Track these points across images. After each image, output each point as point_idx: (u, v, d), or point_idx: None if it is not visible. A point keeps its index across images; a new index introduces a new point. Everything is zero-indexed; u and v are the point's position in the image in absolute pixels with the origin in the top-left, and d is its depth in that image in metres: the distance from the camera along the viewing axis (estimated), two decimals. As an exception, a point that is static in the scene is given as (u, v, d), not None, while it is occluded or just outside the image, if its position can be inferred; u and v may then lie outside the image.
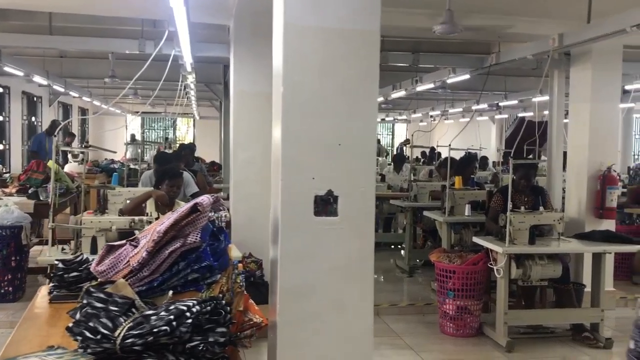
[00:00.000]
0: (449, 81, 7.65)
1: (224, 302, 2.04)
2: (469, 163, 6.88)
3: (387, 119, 20.56)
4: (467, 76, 7.13)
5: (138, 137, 20.52)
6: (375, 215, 8.01)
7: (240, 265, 2.47)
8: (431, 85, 8.26)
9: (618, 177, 11.03)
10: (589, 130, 6.22)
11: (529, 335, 5.35)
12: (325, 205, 2.14)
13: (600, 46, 6.11)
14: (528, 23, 5.51)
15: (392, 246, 9.22)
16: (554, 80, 6.99)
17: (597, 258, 5.22)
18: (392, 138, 24.88)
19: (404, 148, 18.66)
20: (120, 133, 17.63)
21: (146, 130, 23.82)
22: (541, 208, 5.08)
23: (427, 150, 15.40)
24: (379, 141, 23.62)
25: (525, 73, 9.64)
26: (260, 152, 5.62)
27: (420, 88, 8.68)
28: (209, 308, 1.97)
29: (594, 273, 5.27)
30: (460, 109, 14.31)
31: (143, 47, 5.83)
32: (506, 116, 16.51)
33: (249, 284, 5.31)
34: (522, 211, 5.02)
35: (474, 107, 12.53)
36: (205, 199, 2.21)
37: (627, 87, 9.00)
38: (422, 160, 14.73)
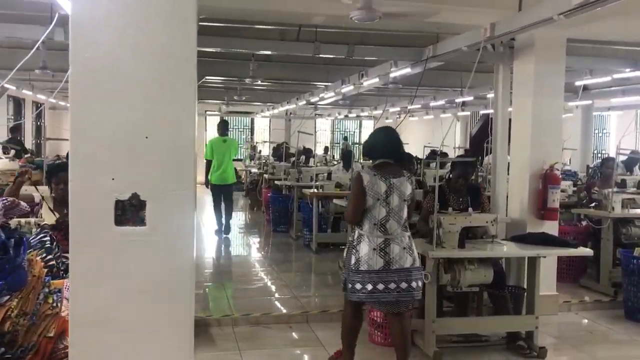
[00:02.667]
0: (393, 75, 7.32)
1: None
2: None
3: (350, 115, 20.23)
4: (408, 69, 6.81)
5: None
6: (322, 214, 7.57)
7: (56, 282, 2.07)
8: (376, 80, 7.92)
9: (573, 175, 10.86)
10: (531, 127, 5.94)
11: (460, 344, 5.04)
12: (130, 212, 1.75)
13: (542, 39, 5.84)
14: (466, 13, 5.19)
15: (342, 247, 8.88)
16: (499, 74, 6.68)
17: (532, 262, 4.93)
18: (360, 135, 24.58)
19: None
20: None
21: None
22: (470, 209, 4.76)
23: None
24: (346, 138, 23.32)
25: (481, 69, 9.35)
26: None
27: (367, 82, 8.35)
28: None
29: (529, 278, 4.98)
30: (419, 105, 14.04)
31: (52, 34, 5.38)
32: (468, 113, 16.30)
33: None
34: (450, 212, 4.70)
35: (432, 104, 12.25)
36: (-13, 203, 1.81)
37: (582, 83, 8.81)
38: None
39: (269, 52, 7.00)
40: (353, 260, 4.01)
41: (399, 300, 4.00)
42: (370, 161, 4.34)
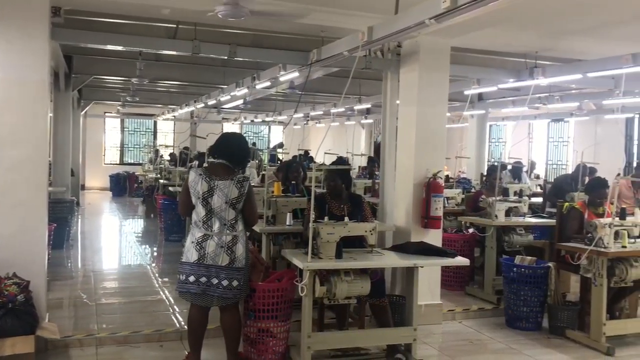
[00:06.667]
0: (283, 79, 7.10)
1: None
2: (287, 167, 6.35)
3: (255, 120, 19.90)
4: (296, 74, 6.60)
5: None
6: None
7: None
8: (268, 83, 7.69)
9: (467, 182, 11.11)
10: (415, 135, 5.89)
11: (339, 358, 4.85)
12: None
13: (427, 46, 5.81)
14: (344, 16, 5.02)
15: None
16: (387, 82, 6.65)
17: (410, 272, 4.83)
18: (269, 140, 24.27)
19: (276, 151, 18.19)
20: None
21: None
22: (346, 218, 4.59)
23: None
24: (254, 144, 22.87)
25: (378, 76, 9.36)
26: (31, 152, 4.73)
27: (260, 86, 8.09)
28: None
29: (408, 288, 4.88)
30: (321, 112, 13.97)
31: None
32: (371, 121, 16.42)
33: (7, 312, 4.39)
34: (327, 222, 4.51)
35: (333, 110, 12.18)
36: None
37: (469, 92, 8.98)
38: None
39: (144, 50, 6.58)
40: (183, 253, 4.35)
41: (206, 293, 4.22)
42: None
